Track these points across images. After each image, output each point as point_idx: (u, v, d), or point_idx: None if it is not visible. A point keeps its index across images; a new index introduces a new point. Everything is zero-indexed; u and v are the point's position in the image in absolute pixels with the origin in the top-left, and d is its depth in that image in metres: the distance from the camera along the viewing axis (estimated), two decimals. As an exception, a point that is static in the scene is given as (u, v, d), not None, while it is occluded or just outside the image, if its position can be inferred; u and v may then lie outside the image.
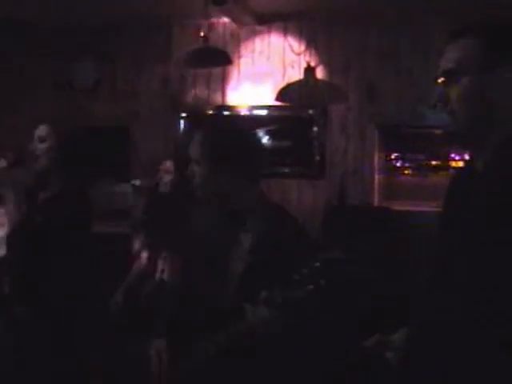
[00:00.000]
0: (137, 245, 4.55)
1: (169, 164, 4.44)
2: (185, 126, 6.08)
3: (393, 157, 5.85)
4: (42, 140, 3.60)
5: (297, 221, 2.78)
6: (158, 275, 4.17)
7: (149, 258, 4.36)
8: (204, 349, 2.58)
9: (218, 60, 5.09)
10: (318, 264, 2.23)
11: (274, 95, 5.33)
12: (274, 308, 2.31)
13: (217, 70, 5.98)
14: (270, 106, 5.87)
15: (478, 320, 1.75)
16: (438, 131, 5.41)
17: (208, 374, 2.60)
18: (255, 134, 4.69)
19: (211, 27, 5.72)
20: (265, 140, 5.90)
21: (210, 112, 6.02)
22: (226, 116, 5.89)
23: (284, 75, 5.85)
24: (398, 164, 5.85)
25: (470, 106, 1.81)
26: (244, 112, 5.99)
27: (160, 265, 4.16)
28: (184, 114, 6.10)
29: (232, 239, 2.64)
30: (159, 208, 4.22)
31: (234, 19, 5.74)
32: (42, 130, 3.64)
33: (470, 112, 1.82)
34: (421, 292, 2.10)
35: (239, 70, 6.01)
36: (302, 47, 5.80)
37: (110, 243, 4.84)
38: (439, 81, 1.90)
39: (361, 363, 3.34)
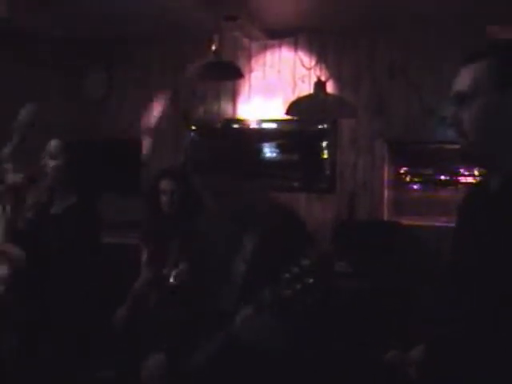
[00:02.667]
0: (145, 255, 4.57)
1: (165, 183, 4.45)
2: (193, 139, 6.10)
3: (402, 171, 5.85)
4: (53, 157, 3.63)
5: (296, 219, 2.77)
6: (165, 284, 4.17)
7: (155, 269, 4.37)
8: (201, 352, 2.63)
9: (229, 74, 5.12)
10: (307, 262, 2.28)
11: (284, 109, 5.35)
12: (263, 310, 2.37)
13: (227, 84, 6.02)
14: (280, 120, 5.89)
15: (497, 337, 1.77)
16: (446, 146, 5.43)
17: (204, 377, 2.64)
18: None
19: (223, 41, 5.75)
20: (274, 154, 5.92)
21: (219, 126, 6.05)
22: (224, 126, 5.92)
23: (294, 89, 5.88)
24: (408, 179, 5.85)
25: (483, 129, 1.84)
26: (254, 125, 6.01)
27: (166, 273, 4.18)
28: (194, 128, 6.13)
29: (235, 242, 2.67)
30: (165, 220, 4.26)
31: (245, 34, 5.77)
32: (53, 147, 3.67)
33: (482, 134, 1.84)
34: (438, 309, 2.12)
35: (250, 84, 6.04)
36: (313, 61, 5.83)
37: (122, 254, 4.87)
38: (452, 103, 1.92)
39: (378, 377, 3.34)
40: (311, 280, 2.26)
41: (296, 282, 2.27)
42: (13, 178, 3.79)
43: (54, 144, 3.68)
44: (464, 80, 1.88)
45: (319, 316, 2.51)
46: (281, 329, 2.49)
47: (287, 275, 2.29)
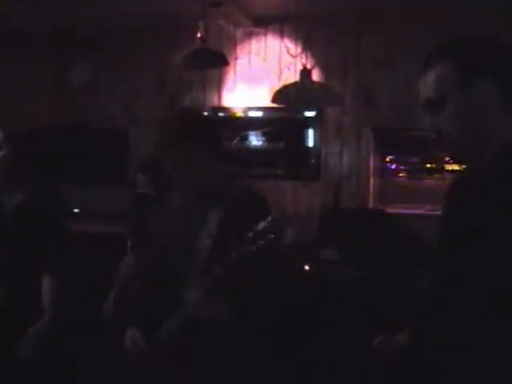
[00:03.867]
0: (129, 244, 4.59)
1: (139, 176, 4.55)
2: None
3: (388, 159, 5.85)
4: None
5: (261, 196, 2.86)
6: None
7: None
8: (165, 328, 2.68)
9: (214, 61, 5.09)
10: (269, 220, 2.45)
11: (269, 97, 5.34)
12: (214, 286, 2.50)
13: (213, 72, 6.00)
14: (265, 108, 5.88)
15: (484, 322, 1.77)
16: (432, 135, 5.42)
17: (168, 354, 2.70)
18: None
19: (208, 28, 5.71)
20: (260, 142, 5.92)
21: (206, 113, 6.03)
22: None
23: (280, 77, 5.87)
24: (393, 167, 5.85)
25: (460, 129, 1.84)
26: (240, 114, 5.99)
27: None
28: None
29: (199, 218, 2.74)
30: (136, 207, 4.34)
31: (230, 21, 5.75)
32: None
33: (461, 134, 1.85)
34: (424, 295, 2.14)
35: (235, 72, 6.02)
36: (299, 49, 5.81)
37: (111, 244, 4.89)
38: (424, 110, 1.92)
39: (365, 362, 3.37)
40: (272, 236, 2.43)
41: (259, 239, 2.44)
42: None
43: None
44: (429, 85, 1.88)
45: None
46: (226, 307, 2.59)
47: (251, 234, 2.45)
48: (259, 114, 5.95)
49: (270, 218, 2.47)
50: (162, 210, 3.00)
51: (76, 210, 5.99)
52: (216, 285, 2.53)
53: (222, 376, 2.72)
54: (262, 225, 2.45)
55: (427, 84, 1.89)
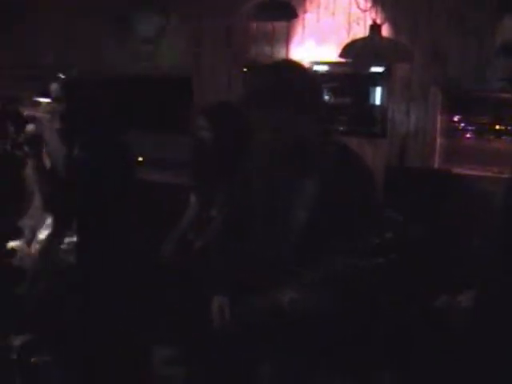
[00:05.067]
0: (193, 197, 4.57)
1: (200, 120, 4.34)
2: (245, 80, 6.05)
3: (455, 119, 5.73)
4: (56, 100, 3.54)
5: (367, 167, 2.65)
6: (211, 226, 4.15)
7: (201, 208, 4.36)
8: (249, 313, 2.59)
9: (283, 13, 5.04)
10: (390, 235, 2.13)
11: (337, 52, 5.27)
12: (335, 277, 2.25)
13: (280, 25, 5.92)
14: (332, 63, 5.79)
15: None
16: (503, 95, 5.30)
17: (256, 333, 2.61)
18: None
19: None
20: (327, 97, 5.84)
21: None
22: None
23: (349, 32, 5.76)
24: (461, 127, 5.72)
25: None
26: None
27: (213, 215, 4.16)
28: (245, 69, 6.06)
29: (293, 185, 2.50)
30: (208, 157, 4.20)
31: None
32: (54, 90, 3.56)
33: None
34: (488, 257, 2.06)
35: (303, 26, 5.94)
36: (369, 4, 5.68)
37: (173, 194, 4.89)
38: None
39: (428, 323, 3.32)
40: (394, 256, 2.10)
41: (377, 254, 2.12)
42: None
43: (54, 87, 3.60)
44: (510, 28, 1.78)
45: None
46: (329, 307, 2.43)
47: (365, 245, 2.14)
48: (326, 68, 5.87)
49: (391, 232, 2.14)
50: (243, 168, 2.78)
51: (140, 159, 6.04)
52: (322, 284, 2.30)
53: (304, 363, 2.61)
54: (386, 236, 2.14)
55: (507, 27, 1.80)
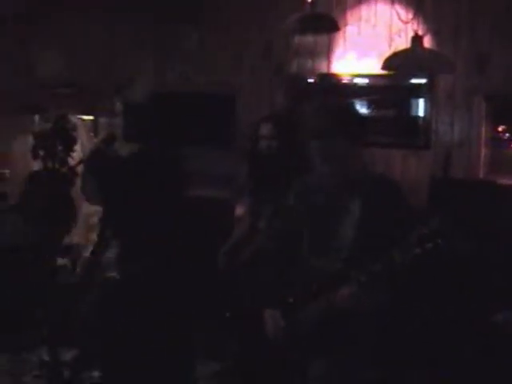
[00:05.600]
0: (239, 210, 4.56)
1: (265, 127, 4.30)
2: (289, 94, 6.06)
3: (500, 129, 5.67)
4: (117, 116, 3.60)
5: (401, 190, 2.85)
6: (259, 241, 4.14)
7: (252, 223, 4.34)
8: (306, 314, 2.72)
9: (325, 26, 5.05)
10: (433, 223, 2.37)
11: (379, 64, 5.26)
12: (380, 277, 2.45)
13: (322, 38, 5.93)
14: (375, 75, 5.78)
15: None
16: None
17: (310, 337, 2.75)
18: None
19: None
20: (369, 109, 5.83)
21: (313, 80, 5.99)
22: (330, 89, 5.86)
23: (390, 44, 5.74)
24: (506, 137, 5.67)
25: None
26: (348, 81, 5.92)
27: (262, 229, 4.14)
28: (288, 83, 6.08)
29: (341, 206, 2.77)
30: (264, 172, 4.16)
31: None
32: (117, 106, 3.62)
33: None
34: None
35: (345, 38, 5.94)
36: (410, 15, 5.67)
37: (216, 208, 4.90)
38: None
39: (489, 338, 3.33)
40: (440, 240, 2.33)
41: (426, 241, 2.34)
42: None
43: (117, 103, 3.65)
44: None
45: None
46: (382, 303, 2.59)
47: (415, 235, 2.37)
48: (368, 81, 5.86)
49: (435, 221, 2.40)
50: (300, 187, 3.01)
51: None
52: (372, 281, 2.53)
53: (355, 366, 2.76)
54: (430, 226, 2.39)
55: None
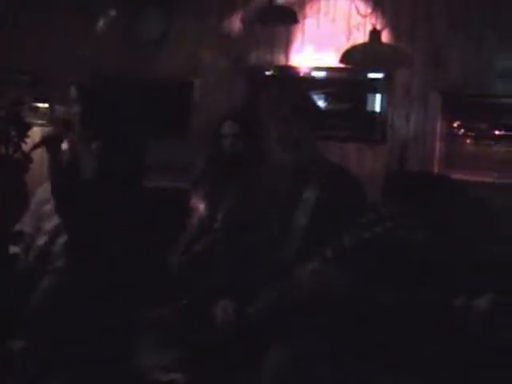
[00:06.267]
0: (194, 199, 4.53)
1: (229, 125, 4.30)
2: (247, 85, 6.04)
3: (455, 125, 5.73)
4: (73, 103, 3.56)
5: (357, 180, 2.86)
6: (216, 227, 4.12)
7: (208, 212, 4.32)
8: (265, 299, 2.70)
9: (284, 18, 5.05)
10: (384, 210, 2.47)
11: (337, 58, 5.28)
12: (337, 257, 2.45)
13: (280, 31, 5.92)
14: (332, 69, 5.80)
15: None
16: (503, 100, 5.32)
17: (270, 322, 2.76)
18: None
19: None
20: (326, 103, 5.85)
21: (271, 73, 5.98)
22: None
23: (349, 38, 5.77)
24: (461, 132, 5.73)
25: None
26: (305, 73, 5.93)
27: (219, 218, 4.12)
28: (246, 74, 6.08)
29: (295, 196, 2.81)
30: (224, 166, 4.14)
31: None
32: (71, 93, 3.58)
33: None
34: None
35: (303, 31, 5.94)
36: (369, 10, 5.69)
37: (170, 198, 4.87)
38: None
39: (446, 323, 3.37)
40: (389, 224, 2.43)
41: (375, 225, 2.44)
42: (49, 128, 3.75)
43: (72, 90, 3.62)
44: None
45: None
46: (345, 280, 2.62)
47: (366, 219, 2.46)
48: (325, 74, 5.87)
49: (385, 207, 2.49)
50: (255, 178, 3.05)
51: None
52: (325, 265, 2.58)
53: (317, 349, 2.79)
54: (378, 212, 2.47)
55: None
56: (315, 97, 5.68)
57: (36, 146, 3.77)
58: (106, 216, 3.51)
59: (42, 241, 4.32)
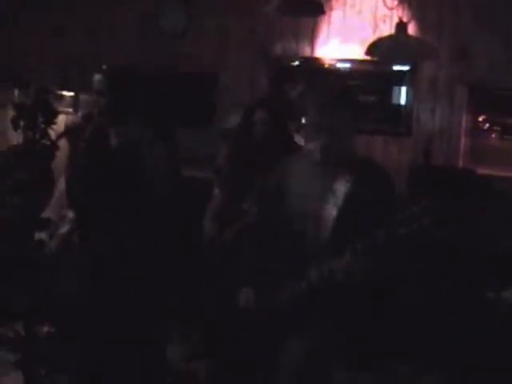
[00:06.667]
0: (219, 188, 4.52)
1: (261, 113, 4.28)
2: (272, 76, 6.05)
3: (481, 119, 5.70)
4: (99, 93, 3.54)
5: (387, 174, 2.85)
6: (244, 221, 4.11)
7: (226, 202, 4.31)
8: (291, 289, 2.73)
9: (310, 9, 5.03)
10: (417, 206, 2.42)
11: (363, 50, 5.27)
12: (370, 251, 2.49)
13: (306, 22, 5.91)
14: (358, 61, 5.79)
15: None
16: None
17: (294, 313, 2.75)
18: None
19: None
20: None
21: (297, 63, 5.98)
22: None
23: (375, 30, 5.75)
24: (486, 127, 5.70)
25: None
26: (331, 65, 5.91)
27: (245, 208, 4.12)
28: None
29: (326, 188, 2.78)
30: (251, 155, 4.13)
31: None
32: (97, 82, 3.57)
33: None
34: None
35: (329, 23, 5.93)
36: (395, 2, 5.67)
37: (196, 188, 4.88)
38: None
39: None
40: (427, 221, 2.38)
41: (412, 221, 2.38)
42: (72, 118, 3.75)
43: (97, 79, 3.61)
44: None
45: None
46: (373, 274, 2.61)
47: (402, 215, 2.42)
48: (351, 66, 5.86)
49: (424, 201, 2.44)
50: (285, 168, 3.03)
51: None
52: (357, 259, 2.56)
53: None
54: (414, 208, 2.43)
55: None
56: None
57: (60, 136, 3.79)
58: (125, 210, 3.51)
59: (64, 229, 4.35)
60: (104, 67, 3.59)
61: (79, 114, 3.83)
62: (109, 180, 3.46)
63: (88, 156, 3.55)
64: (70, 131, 3.68)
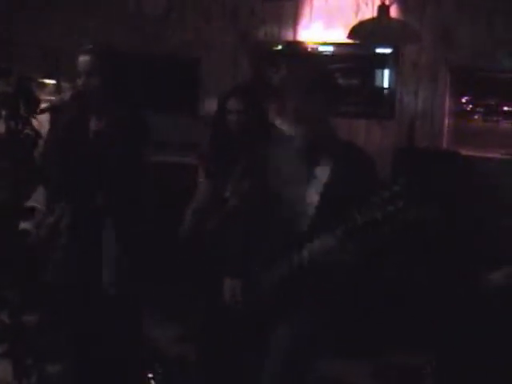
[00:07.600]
0: (202, 175, 4.52)
1: (234, 102, 4.27)
2: (253, 61, 6.03)
3: (464, 101, 5.72)
4: (87, 74, 3.53)
5: (370, 157, 2.85)
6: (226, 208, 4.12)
7: (214, 190, 4.32)
8: (273, 273, 2.76)
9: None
10: (397, 188, 2.42)
11: (345, 33, 5.26)
12: (349, 234, 2.50)
13: (288, 6, 5.90)
14: (340, 44, 5.78)
15: None
16: (512, 75, 5.31)
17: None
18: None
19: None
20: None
21: (279, 47, 5.96)
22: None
23: (357, 13, 5.74)
24: (469, 108, 5.71)
25: None
26: (314, 49, 5.90)
27: (227, 195, 4.12)
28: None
29: (308, 173, 2.78)
30: (231, 142, 4.12)
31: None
32: (83, 62, 3.55)
33: None
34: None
35: (312, 6, 5.91)
36: (377, -16, 5.66)
37: (177, 173, 4.87)
38: None
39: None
40: (401, 203, 2.38)
41: (387, 204, 2.39)
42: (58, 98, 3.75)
43: (84, 60, 3.54)
44: None
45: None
46: (354, 258, 2.62)
47: (378, 198, 2.42)
48: (334, 49, 5.85)
49: (398, 185, 2.45)
50: (267, 154, 3.03)
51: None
52: (336, 244, 2.57)
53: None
54: (391, 191, 2.43)
55: None
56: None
57: (44, 111, 3.78)
58: (111, 190, 3.52)
59: (51, 218, 4.34)
60: (91, 47, 3.55)
61: (66, 93, 3.78)
62: (91, 158, 3.49)
63: (73, 134, 3.56)
64: (55, 108, 3.68)
